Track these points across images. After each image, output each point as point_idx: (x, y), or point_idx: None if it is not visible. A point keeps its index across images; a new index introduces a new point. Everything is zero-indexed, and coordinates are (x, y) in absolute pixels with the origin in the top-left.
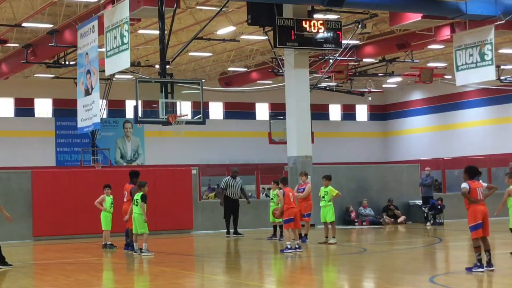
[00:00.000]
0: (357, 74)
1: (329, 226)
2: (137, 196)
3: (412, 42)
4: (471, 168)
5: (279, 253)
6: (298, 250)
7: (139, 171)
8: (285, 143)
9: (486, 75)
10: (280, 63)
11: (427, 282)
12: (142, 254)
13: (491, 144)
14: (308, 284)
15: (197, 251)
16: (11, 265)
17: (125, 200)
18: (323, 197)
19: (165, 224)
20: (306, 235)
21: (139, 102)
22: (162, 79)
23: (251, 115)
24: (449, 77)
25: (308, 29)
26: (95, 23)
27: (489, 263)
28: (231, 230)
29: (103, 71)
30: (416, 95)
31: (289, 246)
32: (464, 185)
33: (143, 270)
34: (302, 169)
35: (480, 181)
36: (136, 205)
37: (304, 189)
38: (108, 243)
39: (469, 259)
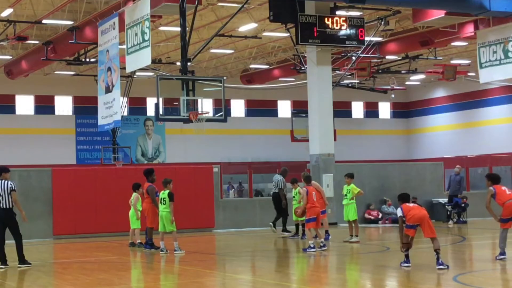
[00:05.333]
0: (380, 71)
1: (353, 225)
2: (164, 194)
3: (435, 39)
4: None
5: (302, 252)
6: (323, 248)
7: (153, 168)
8: (307, 140)
9: (510, 72)
10: (302, 60)
11: (451, 281)
12: (175, 252)
13: None
14: (331, 283)
15: (219, 250)
16: (7, 265)
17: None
18: (345, 195)
19: (187, 223)
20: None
21: (160, 99)
22: (183, 77)
23: (273, 112)
24: (473, 74)
25: (330, 26)
26: (116, 20)
27: None
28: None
29: (124, 68)
30: (440, 93)
31: (312, 246)
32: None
33: (165, 269)
34: (324, 167)
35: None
36: (164, 204)
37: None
38: (138, 241)
39: (493, 257)
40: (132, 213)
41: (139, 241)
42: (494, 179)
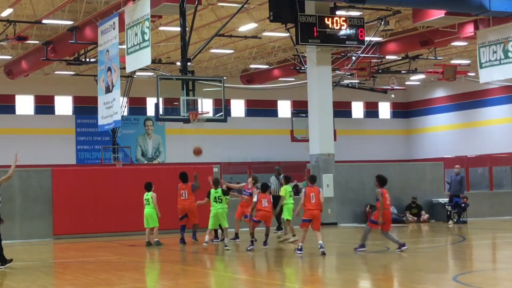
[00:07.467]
0: (380, 71)
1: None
2: (218, 193)
3: (435, 39)
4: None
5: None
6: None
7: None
8: (307, 141)
9: (510, 72)
10: (302, 60)
11: (451, 281)
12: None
13: None
14: (331, 283)
15: (218, 250)
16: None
17: (183, 198)
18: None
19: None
20: (236, 234)
21: (160, 99)
22: (183, 77)
23: (273, 112)
24: (473, 74)
25: (330, 26)
26: (116, 20)
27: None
28: None
29: (124, 68)
30: (439, 93)
31: (299, 247)
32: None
33: (165, 269)
34: (324, 167)
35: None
36: (221, 202)
37: (251, 192)
38: (155, 240)
39: (493, 257)
40: (151, 211)
41: (156, 239)
42: (382, 180)
